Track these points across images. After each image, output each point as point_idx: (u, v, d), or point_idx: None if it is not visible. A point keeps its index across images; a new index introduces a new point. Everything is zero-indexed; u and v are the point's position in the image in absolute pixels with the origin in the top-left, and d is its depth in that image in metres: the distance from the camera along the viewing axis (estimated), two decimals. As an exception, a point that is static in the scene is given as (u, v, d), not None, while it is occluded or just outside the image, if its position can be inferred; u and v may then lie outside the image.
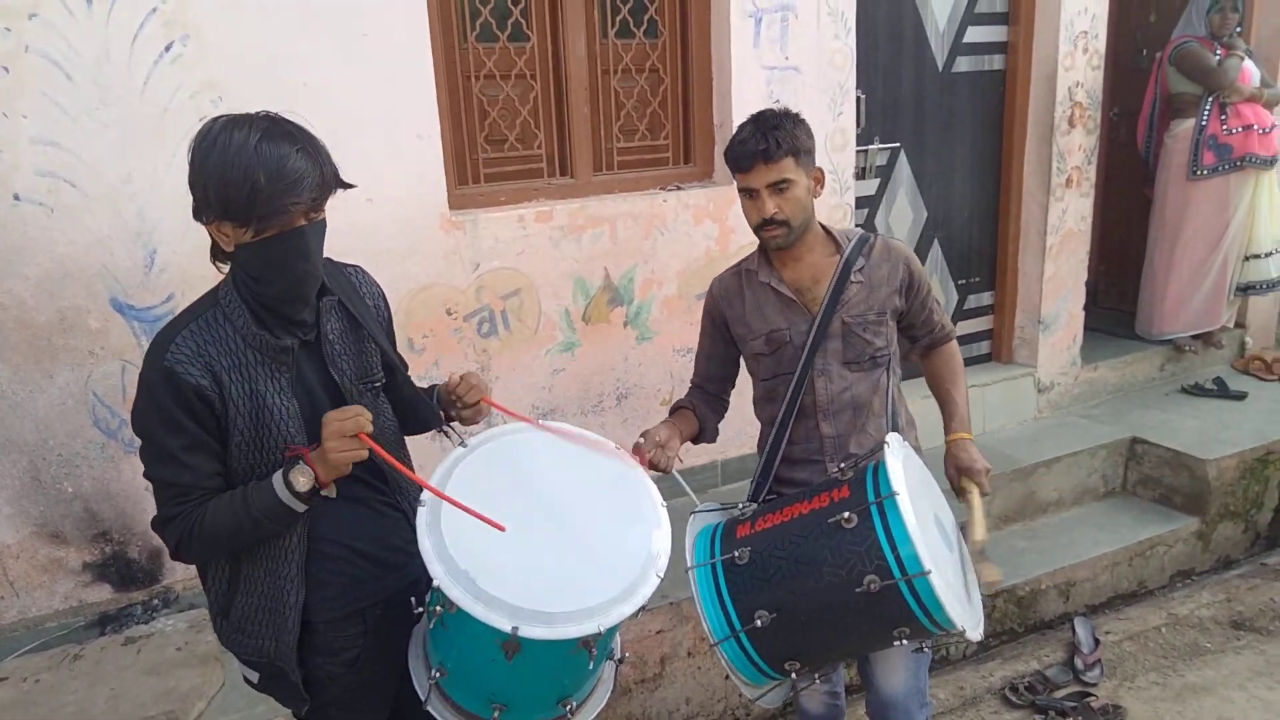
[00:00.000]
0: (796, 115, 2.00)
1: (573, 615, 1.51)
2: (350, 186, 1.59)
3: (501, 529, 1.54)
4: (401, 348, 2.81)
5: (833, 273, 2.08)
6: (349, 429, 1.52)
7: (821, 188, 2.06)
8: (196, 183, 1.50)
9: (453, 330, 2.97)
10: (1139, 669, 3.25)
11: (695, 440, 2.25)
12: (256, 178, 1.44)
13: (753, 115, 2.00)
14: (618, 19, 3.16)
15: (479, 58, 2.98)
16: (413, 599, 1.69)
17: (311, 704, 1.74)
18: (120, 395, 2.59)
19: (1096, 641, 3.33)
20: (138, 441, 1.60)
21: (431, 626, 1.60)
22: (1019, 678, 3.18)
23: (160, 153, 2.48)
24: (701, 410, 2.25)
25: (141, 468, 1.61)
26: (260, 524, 1.56)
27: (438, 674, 1.64)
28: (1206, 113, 4.25)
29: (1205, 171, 4.31)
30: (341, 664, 1.73)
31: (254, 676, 1.75)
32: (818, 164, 2.06)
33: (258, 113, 1.52)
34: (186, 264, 2.55)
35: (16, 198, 2.37)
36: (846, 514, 1.71)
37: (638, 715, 2.85)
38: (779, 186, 1.97)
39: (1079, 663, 3.23)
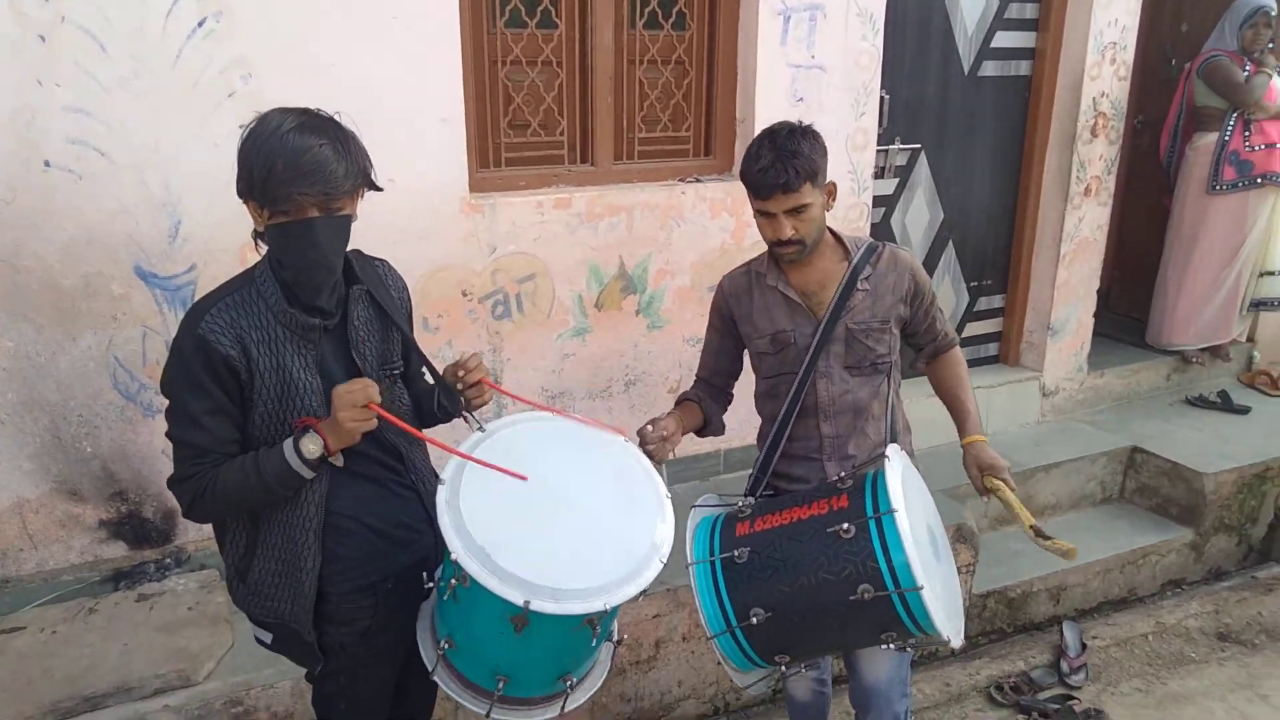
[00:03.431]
0: (812, 132, 2.01)
1: (581, 593, 1.58)
2: (378, 189, 1.65)
3: (523, 478, 1.64)
4: (416, 327, 2.85)
5: (840, 279, 2.12)
6: (359, 399, 1.60)
7: (834, 200, 2.08)
8: (238, 160, 1.58)
9: (467, 311, 3.01)
10: (1123, 675, 3.31)
11: (700, 433, 2.30)
12: (275, 163, 1.52)
13: (768, 134, 1.99)
14: (646, 10, 3.16)
15: (506, 43, 3.00)
16: (424, 574, 1.77)
17: (323, 668, 1.83)
18: (140, 360, 2.64)
19: (1083, 646, 3.39)
20: (156, 405, 1.69)
21: (445, 599, 1.67)
22: (1005, 677, 3.24)
23: (188, 126, 2.52)
24: (707, 405, 2.30)
25: (159, 430, 1.70)
26: (269, 487, 1.64)
27: (445, 645, 1.71)
28: (1230, 128, 4.24)
29: (1225, 187, 4.30)
30: (353, 634, 1.81)
31: (267, 637, 1.84)
32: (837, 163, 2.07)
33: (309, 108, 1.59)
34: (209, 236, 2.60)
35: (47, 164, 2.41)
36: (845, 525, 1.76)
37: (631, 695, 2.93)
38: (796, 211, 1.99)
39: (1065, 666, 3.29)
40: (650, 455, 2.04)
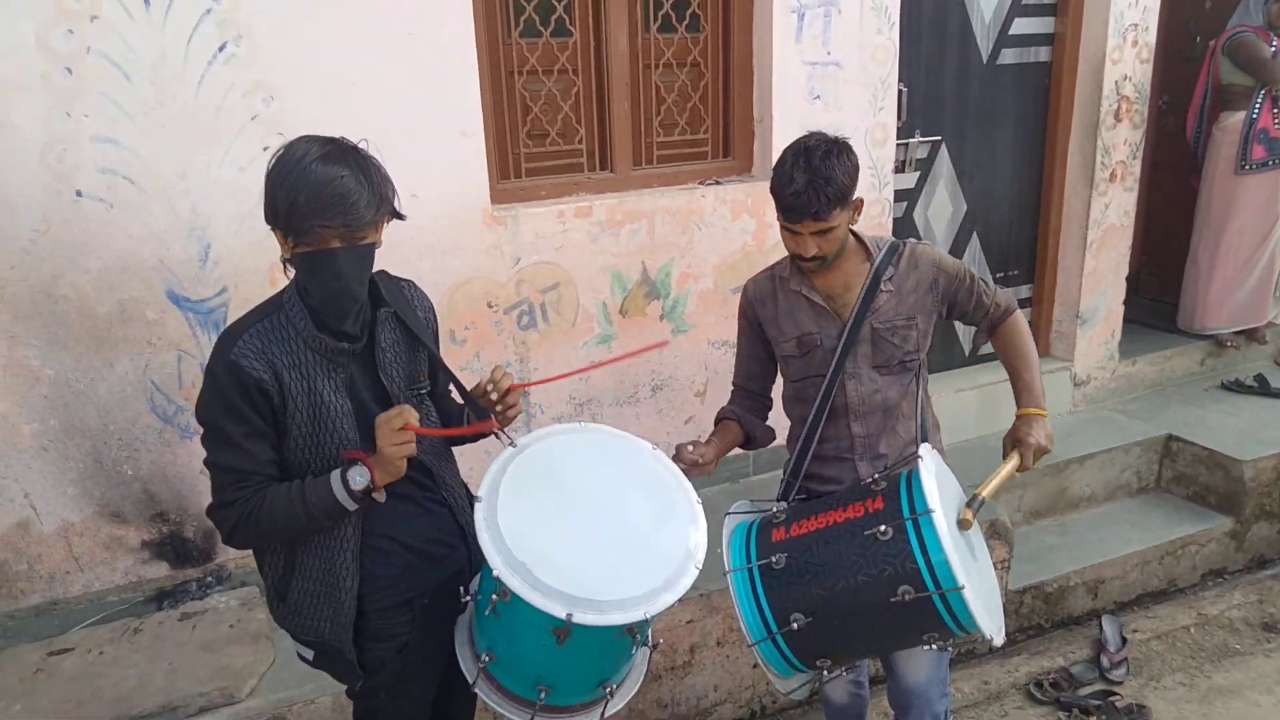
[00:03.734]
0: (845, 149, 1.97)
1: (622, 604, 1.60)
2: (401, 218, 1.67)
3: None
4: (444, 339, 2.91)
5: (863, 280, 2.12)
6: (395, 422, 1.62)
7: (859, 214, 2.07)
8: (265, 188, 1.60)
9: (493, 323, 3.03)
10: (1165, 669, 3.27)
11: (747, 446, 2.30)
12: (297, 195, 1.53)
13: (803, 152, 1.94)
14: (660, 14, 3.16)
15: (522, 54, 3.01)
16: (461, 588, 1.79)
17: (363, 684, 1.85)
18: (176, 383, 2.69)
19: (1124, 640, 3.35)
20: (194, 427, 1.70)
21: (487, 614, 1.69)
22: (1044, 674, 3.22)
23: (214, 150, 2.55)
24: (746, 419, 2.29)
25: (197, 452, 1.71)
26: (313, 517, 1.66)
27: (486, 658, 1.73)
28: (1258, 105, 4.16)
29: (1254, 166, 4.23)
30: (391, 649, 1.83)
31: (309, 654, 1.87)
32: (859, 164, 2.04)
33: (336, 137, 1.60)
34: (239, 259, 2.64)
35: (79, 194, 2.46)
36: (882, 527, 1.76)
37: (668, 701, 2.94)
38: (823, 232, 1.99)
39: (1105, 661, 3.25)
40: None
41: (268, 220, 1.61)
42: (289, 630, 1.85)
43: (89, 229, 2.49)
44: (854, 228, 2.14)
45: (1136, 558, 3.65)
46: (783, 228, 2.05)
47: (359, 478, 1.63)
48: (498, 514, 1.63)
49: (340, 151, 1.58)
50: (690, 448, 2.07)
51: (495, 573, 1.56)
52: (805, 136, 2.02)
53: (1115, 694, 3.08)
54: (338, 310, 1.67)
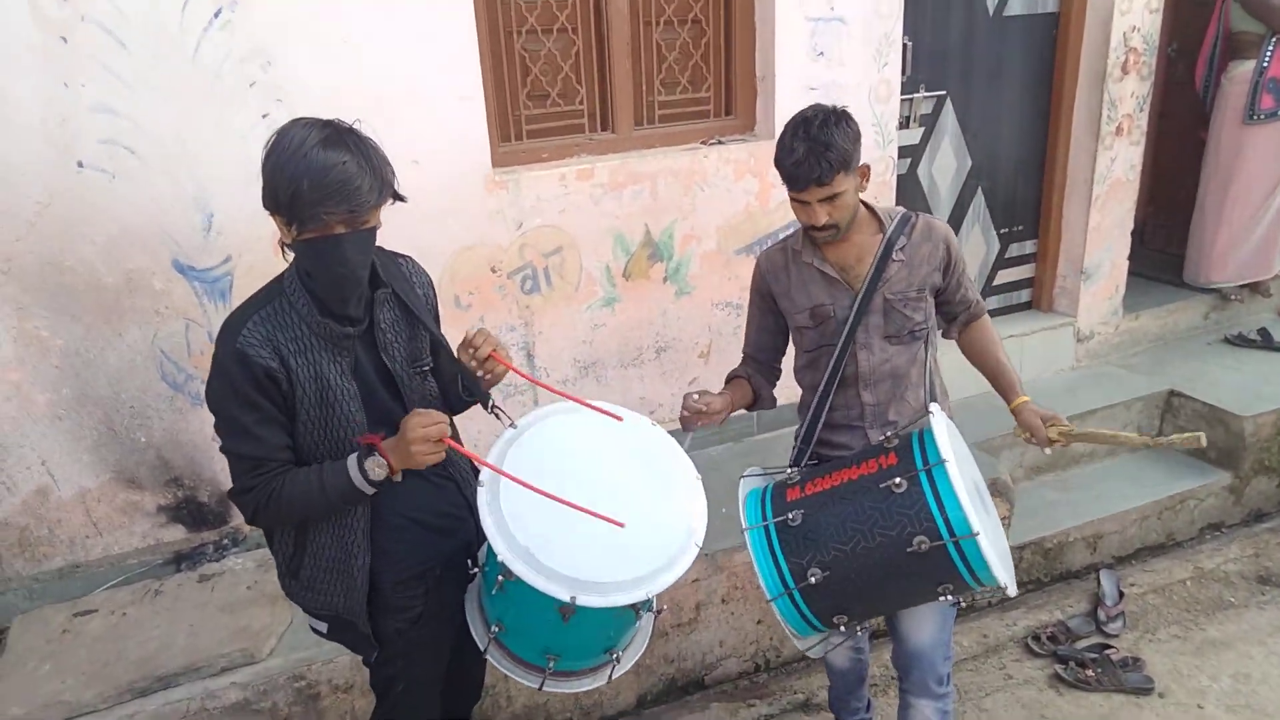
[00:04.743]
0: (844, 117, 1.99)
1: (623, 585, 1.64)
2: (402, 199, 1.66)
3: (621, 525, 1.66)
4: (448, 305, 2.92)
5: (875, 252, 2.13)
6: (434, 435, 1.64)
7: (867, 181, 2.08)
8: (263, 175, 1.58)
9: (497, 287, 3.04)
10: (1161, 622, 3.33)
11: (751, 408, 2.35)
12: (300, 182, 1.51)
13: (801, 124, 1.97)
14: (661, -30, 3.12)
15: (520, 13, 2.97)
16: (468, 560, 1.84)
17: (379, 654, 1.91)
18: (185, 352, 2.72)
19: (1120, 594, 3.40)
20: (204, 394, 1.71)
21: (493, 592, 1.74)
22: (1042, 627, 3.28)
23: (214, 118, 2.54)
24: (756, 380, 2.34)
25: (207, 419, 1.73)
26: (332, 502, 1.70)
27: (496, 629, 1.79)
28: (1269, 54, 4.09)
29: (1263, 116, 4.17)
30: (406, 621, 1.88)
31: (322, 627, 1.92)
32: (860, 116, 2.06)
33: (331, 119, 1.58)
34: (243, 227, 2.64)
35: (80, 165, 2.46)
36: (897, 479, 1.80)
37: (674, 656, 3.01)
38: (830, 199, 2.00)
39: (1102, 614, 3.31)
40: (681, 420, 2.11)
41: (267, 207, 1.59)
42: (302, 605, 1.89)
43: (92, 200, 2.49)
44: (865, 198, 2.16)
45: (1135, 513, 3.69)
46: (792, 200, 2.07)
47: (378, 469, 1.66)
48: (500, 497, 1.66)
49: (339, 135, 1.56)
50: (696, 395, 2.11)
51: (500, 557, 1.60)
52: (803, 110, 2.03)
53: (1111, 647, 3.14)
54: (340, 295, 1.67)
